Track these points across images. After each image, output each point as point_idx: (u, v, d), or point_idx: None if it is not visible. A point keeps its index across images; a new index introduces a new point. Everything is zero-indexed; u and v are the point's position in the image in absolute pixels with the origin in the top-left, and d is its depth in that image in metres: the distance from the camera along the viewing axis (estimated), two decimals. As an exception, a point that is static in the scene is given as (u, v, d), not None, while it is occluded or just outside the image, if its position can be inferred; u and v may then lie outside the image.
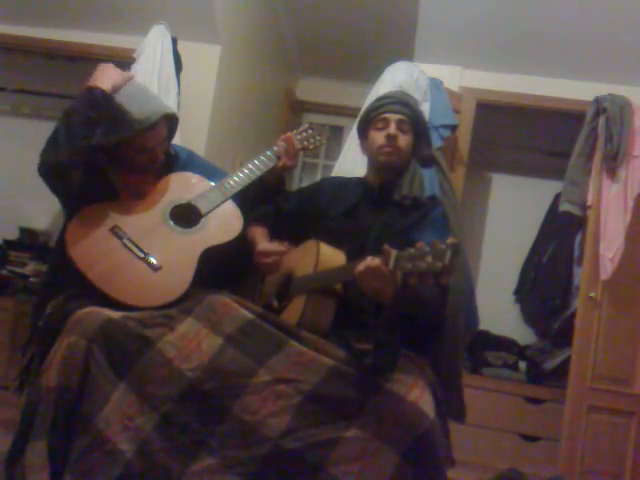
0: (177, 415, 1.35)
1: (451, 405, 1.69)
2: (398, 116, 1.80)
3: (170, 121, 1.88)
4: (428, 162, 1.91)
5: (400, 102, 1.83)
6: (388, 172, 1.82)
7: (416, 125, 1.83)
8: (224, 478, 1.29)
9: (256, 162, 1.93)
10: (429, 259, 1.18)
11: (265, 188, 1.96)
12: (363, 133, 1.90)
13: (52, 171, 1.73)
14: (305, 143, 2.05)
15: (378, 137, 1.80)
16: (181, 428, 1.34)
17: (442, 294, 1.63)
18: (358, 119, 1.98)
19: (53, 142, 1.71)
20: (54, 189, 1.79)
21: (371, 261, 1.34)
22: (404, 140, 1.79)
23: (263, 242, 1.79)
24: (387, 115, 1.81)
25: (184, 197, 1.82)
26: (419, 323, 1.59)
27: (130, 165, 1.84)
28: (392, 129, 1.78)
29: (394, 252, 1.29)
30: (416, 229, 1.71)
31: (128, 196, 1.81)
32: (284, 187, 2.06)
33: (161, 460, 1.32)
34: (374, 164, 1.86)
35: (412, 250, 1.24)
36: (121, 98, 1.74)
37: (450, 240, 1.18)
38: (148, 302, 1.59)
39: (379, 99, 1.89)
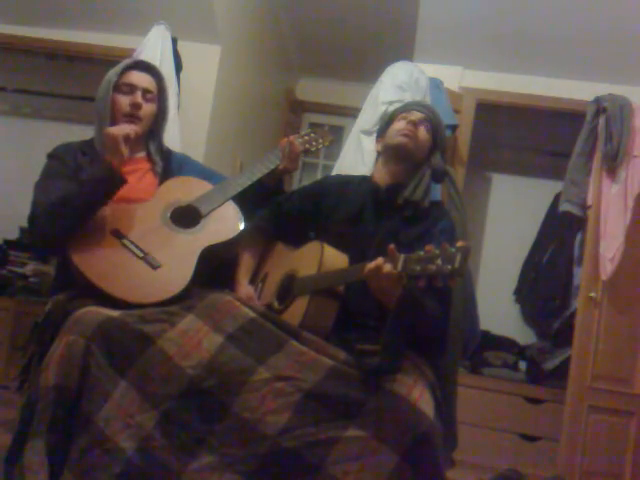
0: (177, 413, 1.35)
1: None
2: (422, 115, 1.84)
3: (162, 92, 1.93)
4: (440, 175, 1.89)
5: (426, 108, 1.89)
6: (398, 165, 1.80)
7: (436, 133, 1.85)
8: (223, 476, 1.29)
9: (258, 165, 1.95)
10: (439, 262, 1.20)
11: (264, 189, 1.96)
12: (383, 131, 1.90)
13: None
14: (307, 146, 2.07)
15: (399, 124, 1.83)
16: (181, 426, 1.34)
17: (445, 306, 1.62)
18: (381, 120, 1.99)
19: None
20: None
21: (382, 262, 1.35)
22: (423, 135, 1.81)
23: (243, 285, 1.79)
24: (412, 112, 1.86)
25: (184, 199, 1.82)
26: (421, 333, 1.57)
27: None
28: (414, 117, 1.82)
29: (402, 255, 1.29)
30: (423, 242, 1.59)
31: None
32: (283, 188, 2.06)
33: (161, 458, 1.32)
34: (387, 151, 1.84)
35: (421, 253, 1.25)
36: None
37: (460, 243, 1.19)
38: (148, 299, 1.59)
39: (406, 104, 1.95)
